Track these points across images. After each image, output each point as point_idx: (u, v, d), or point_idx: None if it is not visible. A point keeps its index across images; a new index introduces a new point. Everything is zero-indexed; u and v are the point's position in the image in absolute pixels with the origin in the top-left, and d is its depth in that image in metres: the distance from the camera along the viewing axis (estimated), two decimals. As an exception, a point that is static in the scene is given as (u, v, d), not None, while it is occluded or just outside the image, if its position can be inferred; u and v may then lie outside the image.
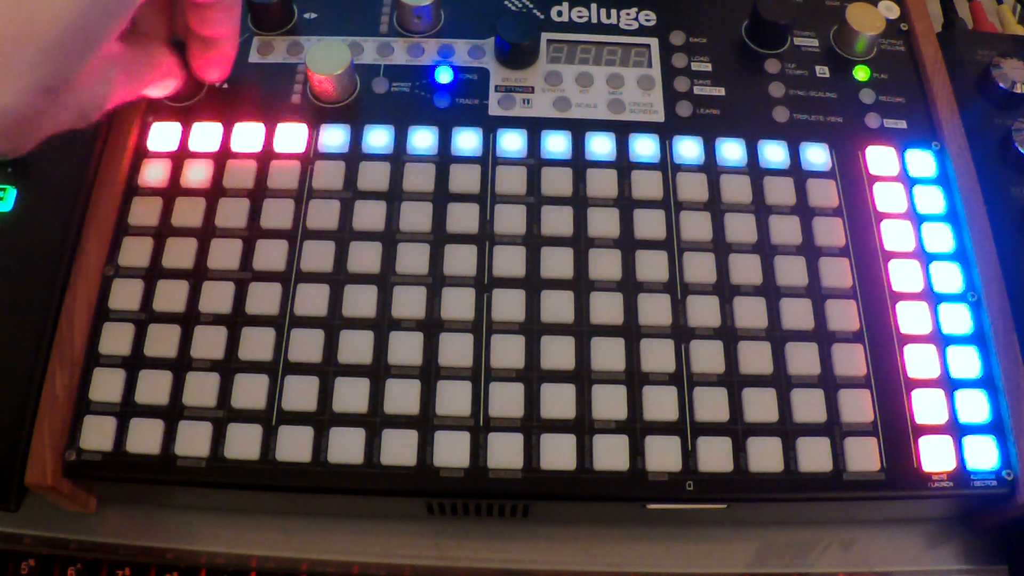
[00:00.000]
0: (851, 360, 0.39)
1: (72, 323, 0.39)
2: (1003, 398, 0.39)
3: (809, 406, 0.38)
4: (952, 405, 0.39)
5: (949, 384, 0.40)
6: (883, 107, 0.47)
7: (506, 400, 0.38)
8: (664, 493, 0.37)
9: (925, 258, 0.42)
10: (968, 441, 0.38)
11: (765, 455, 0.37)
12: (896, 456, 0.38)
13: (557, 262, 0.41)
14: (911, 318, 0.41)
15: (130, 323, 0.39)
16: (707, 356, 0.39)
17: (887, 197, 0.44)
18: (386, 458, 0.37)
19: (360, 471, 0.37)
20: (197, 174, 0.43)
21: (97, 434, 0.37)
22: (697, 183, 0.43)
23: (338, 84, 0.44)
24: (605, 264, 0.41)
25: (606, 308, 0.40)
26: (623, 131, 0.45)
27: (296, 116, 0.45)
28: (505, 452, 0.37)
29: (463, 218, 0.42)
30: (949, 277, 0.42)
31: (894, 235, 0.43)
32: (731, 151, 0.45)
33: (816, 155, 0.45)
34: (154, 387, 0.38)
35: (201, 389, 0.38)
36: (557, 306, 0.40)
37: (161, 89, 0.41)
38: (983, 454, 0.38)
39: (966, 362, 0.40)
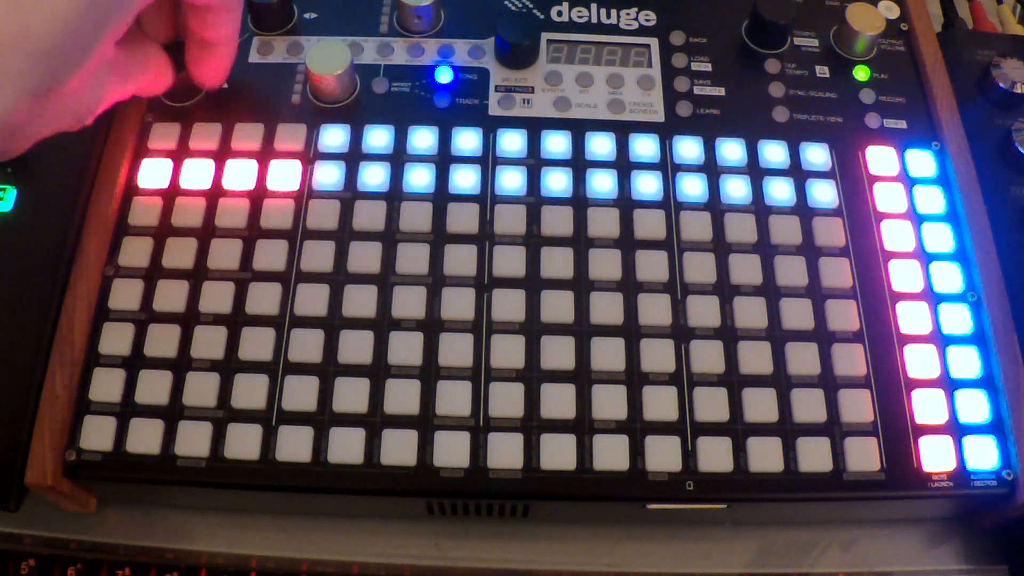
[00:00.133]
0: (851, 360, 0.39)
1: (72, 323, 0.39)
2: (1003, 398, 0.39)
3: (809, 406, 0.38)
4: (952, 405, 0.39)
5: (949, 384, 0.39)
6: (883, 107, 0.47)
7: (506, 400, 0.38)
8: (664, 493, 0.37)
9: (925, 258, 0.42)
10: (968, 441, 0.38)
11: (765, 455, 0.37)
12: (896, 456, 0.38)
13: (557, 262, 0.41)
14: (911, 318, 0.41)
15: (130, 323, 0.39)
16: (707, 356, 0.39)
17: (887, 197, 0.44)
18: (386, 458, 0.37)
19: (360, 471, 0.37)
20: (197, 174, 0.43)
21: (97, 434, 0.37)
22: (697, 183, 0.43)
23: (338, 84, 0.44)
24: (605, 264, 0.41)
25: (606, 308, 0.40)
26: (623, 131, 0.45)
27: (296, 116, 0.45)
28: (505, 452, 0.37)
29: (463, 218, 0.42)
30: (949, 277, 0.42)
31: (894, 235, 0.43)
32: (731, 151, 0.44)
33: (816, 155, 0.45)
34: (154, 387, 0.38)
35: (201, 389, 0.38)
36: (557, 306, 0.40)
37: (153, 89, 0.41)
38: (983, 454, 0.38)
39: (966, 362, 0.40)
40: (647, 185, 0.43)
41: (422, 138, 0.44)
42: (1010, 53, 0.48)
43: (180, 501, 0.41)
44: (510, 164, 0.44)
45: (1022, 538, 0.40)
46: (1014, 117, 0.46)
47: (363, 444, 0.37)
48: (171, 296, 0.40)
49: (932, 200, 0.44)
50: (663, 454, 0.37)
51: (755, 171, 0.44)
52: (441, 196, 0.43)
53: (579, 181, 0.43)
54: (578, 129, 0.45)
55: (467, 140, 0.44)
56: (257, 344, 0.39)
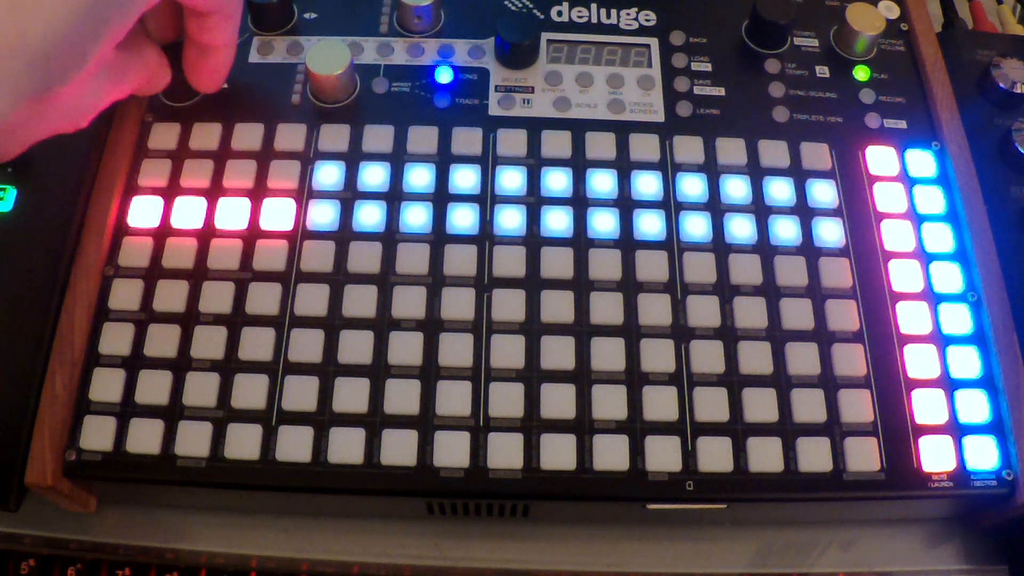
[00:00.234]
0: (851, 360, 0.39)
1: (72, 323, 0.39)
2: (1003, 398, 0.39)
3: (809, 406, 0.38)
4: (952, 405, 0.39)
5: (949, 384, 0.39)
6: (883, 107, 0.47)
7: (506, 400, 0.38)
8: (664, 493, 0.37)
9: (925, 258, 0.42)
10: (968, 441, 0.38)
11: (765, 455, 0.37)
12: (896, 456, 0.38)
13: (557, 262, 0.41)
14: (911, 318, 0.41)
15: (130, 323, 0.39)
16: (707, 356, 0.39)
17: (887, 197, 0.44)
18: (386, 458, 0.37)
19: (360, 471, 0.37)
20: (197, 174, 0.43)
21: (97, 434, 0.37)
22: (697, 183, 0.43)
23: (338, 84, 0.44)
24: (605, 264, 0.41)
25: (606, 308, 0.40)
26: (623, 131, 0.45)
27: (296, 116, 0.45)
28: (505, 452, 0.37)
29: (463, 218, 0.42)
30: (949, 277, 0.42)
31: (894, 235, 0.43)
32: (731, 151, 0.44)
33: (816, 155, 0.45)
34: (154, 387, 0.38)
35: (201, 389, 0.38)
36: (557, 306, 0.40)
37: (151, 89, 0.41)
38: (983, 454, 0.38)
39: (966, 362, 0.40)
40: (647, 185, 0.43)
41: (422, 138, 0.44)
42: (1010, 53, 0.48)
43: (180, 501, 0.41)
44: (510, 164, 0.44)
45: (1022, 538, 0.40)
46: (1014, 117, 0.46)
47: (363, 444, 0.37)
48: (171, 296, 0.40)
49: (932, 200, 0.44)
50: (663, 454, 0.37)
51: (755, 171, 0.44)
52: (441, 196, 0.43)
53: (579, 181, 0.43)
54: (578, 129, 0.45)
55: (467, 140, 0.44)
56: (257, 344, 0.39)
